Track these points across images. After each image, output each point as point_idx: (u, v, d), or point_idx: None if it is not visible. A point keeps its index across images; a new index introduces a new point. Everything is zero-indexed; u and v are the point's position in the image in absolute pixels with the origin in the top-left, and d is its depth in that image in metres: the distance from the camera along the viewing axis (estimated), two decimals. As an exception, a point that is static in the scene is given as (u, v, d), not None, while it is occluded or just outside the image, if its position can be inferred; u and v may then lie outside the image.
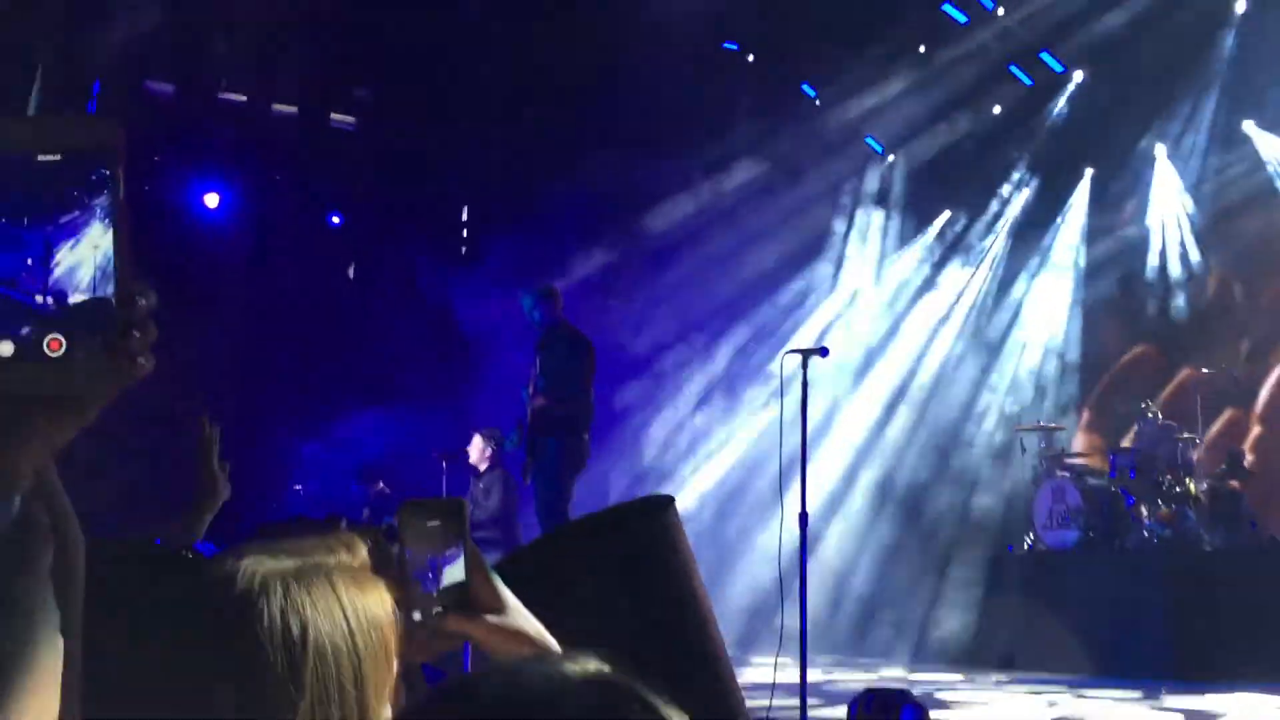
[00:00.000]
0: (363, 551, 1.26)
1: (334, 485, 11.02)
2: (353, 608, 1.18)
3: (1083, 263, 11.98)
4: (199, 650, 1.11)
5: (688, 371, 12.62)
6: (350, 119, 12.78)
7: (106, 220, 0.79)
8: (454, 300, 11.96)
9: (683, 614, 2.39)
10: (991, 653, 9.23)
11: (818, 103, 12.70)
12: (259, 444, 10.49)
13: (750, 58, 12.67)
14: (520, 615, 1.46)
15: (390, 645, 1.21)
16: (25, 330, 0.76)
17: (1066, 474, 9.74)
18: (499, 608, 1.41)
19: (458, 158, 12.09)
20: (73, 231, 0.79)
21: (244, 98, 12.03)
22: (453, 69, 11.26)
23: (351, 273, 12.99)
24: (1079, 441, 10.61)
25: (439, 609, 1.34)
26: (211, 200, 11.59)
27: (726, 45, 12.55)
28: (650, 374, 12.30)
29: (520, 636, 1.42)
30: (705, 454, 12.37)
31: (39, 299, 0.77)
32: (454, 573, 1.37)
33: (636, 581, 2.32)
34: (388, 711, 1.20)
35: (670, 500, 2.56)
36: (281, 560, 1.18)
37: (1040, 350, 11.93)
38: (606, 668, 0.79)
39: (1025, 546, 9.99)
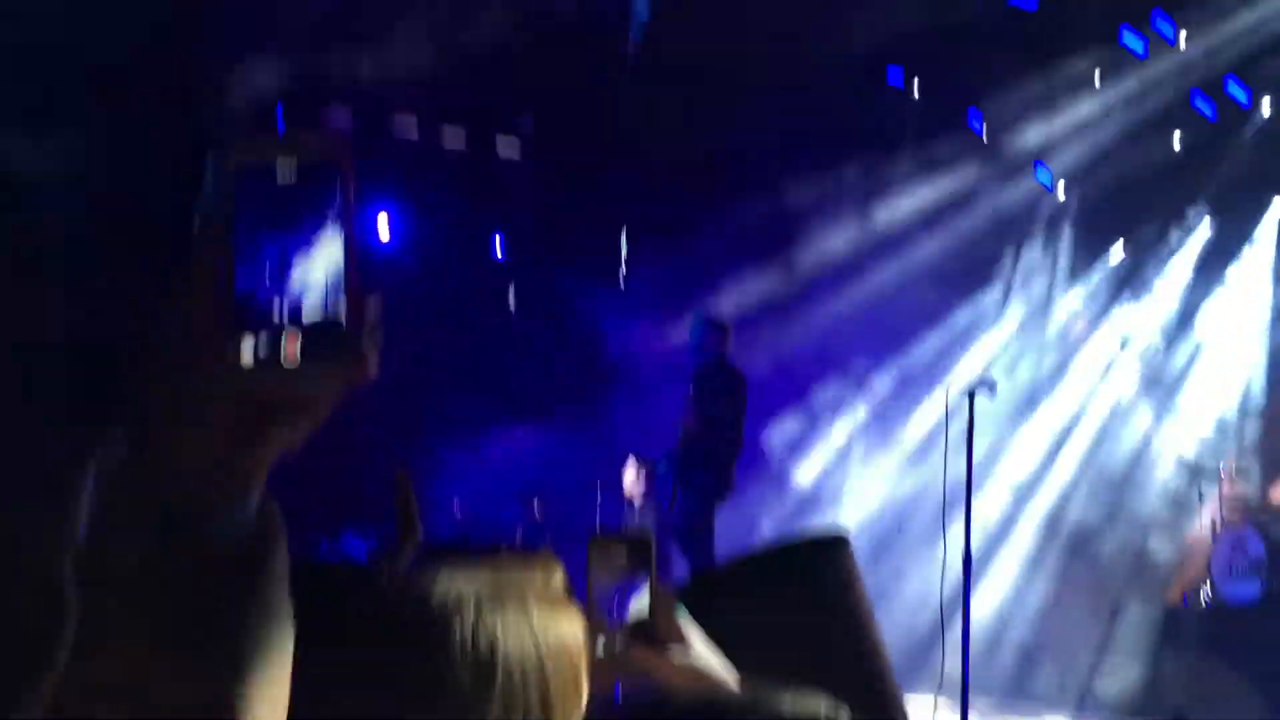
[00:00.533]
0: (559, 575, 1.24)
1: (485, 507, 11.16)
2: (544, 630, 1.16)
3: (1271, 299, 11.40)
4: (392, 666, 1.11)
5: (844, 405, 12.45)
6: (515, 149, 13.04)
7: (337, 231, 0.80)
8: (608, 327, 12.07)
9: (860, 658, 2.33)
10: (1161, 707, 8.81)
11: (984, 136, 12.42)
12: (416, 463, 10.74)
13: (916, 81, 12.48)
14: (704, 652, 1.44)
15: (580, 671, 1.19)
16: (264, 339, 0.78)
17: (1249, 523, 9.22)
18: (684, 642, 1.40)
19: (618, 185, 12.22)
20: (307, 243, 0.80)
21: (414, 125, 12.39)
22: (614, 95, 11.40)
23: (512, 300, 13.23)
24: (1264, 490, 10.03)
25: (624, 642, 1.34)
26: (383, 229, 11.96)
27: (891, 70, 12.39)
28: (805, 408, 12.18)
29: (703, 674, 1.40)
30: (859, 490, 12.16)
31: (276, 309, 0.79)
32: (639, 606, 1.37)
33: (816, 622, 2.28)
34: None
35: (846, 538, 2.50)
36: (477, 578, 1.17)
37: (1222, 392, 11.38)
38: (826, 705, 0.77)
39: (1200, 600, 9.49)
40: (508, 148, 12.61)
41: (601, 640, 1.32)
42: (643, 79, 11.09)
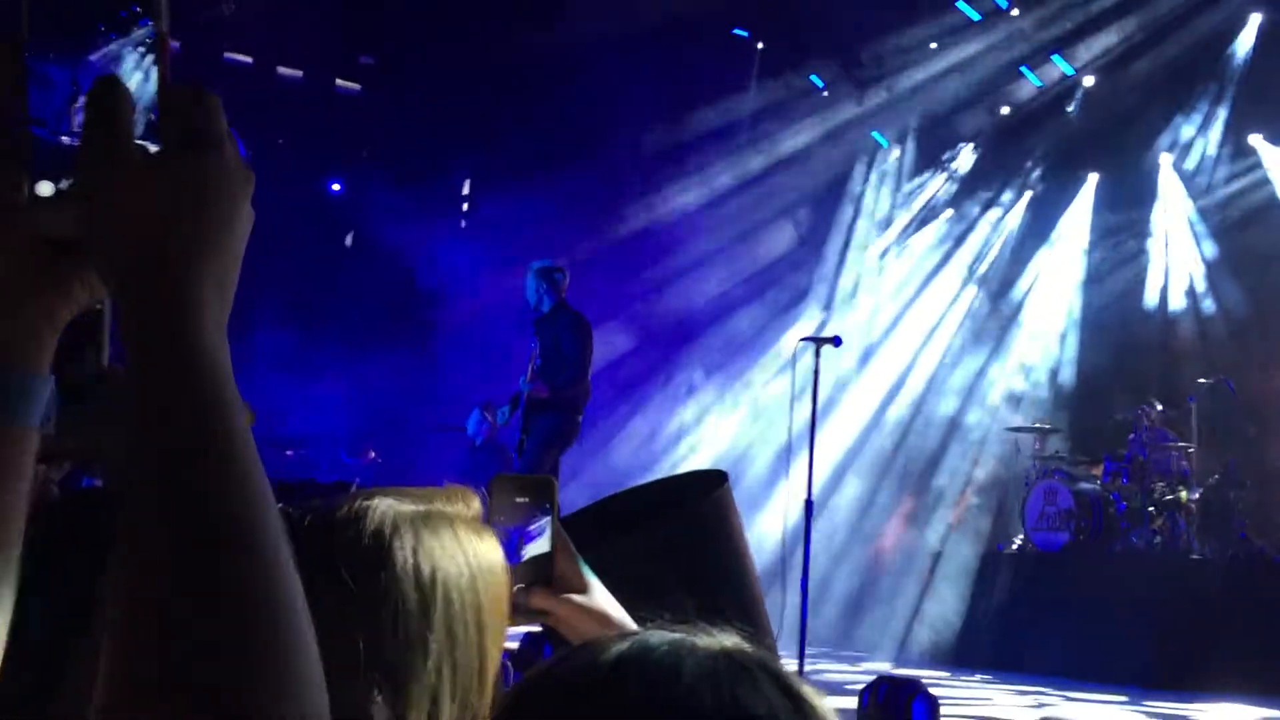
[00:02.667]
0: (477, 504, 1.28)
1: (323, 452, 10.96)
2: (475, 554, 1.20)
3: (1083, 269, 12.01)
4: (333, 589, 1.10)
5: (690, 356, 12.60)
6: (356, 85, 12.70)
7: (142, 58, 0.78)
8: (447, 273, 11.91)
9: (743, 587, 2.38)
10: (978, 652, 9.25)
11: (825, 93, 12.68)
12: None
13: (760, 45, 12.64)
14: (603, 596, 1.46)
15: (505, 593, 1.22)
16: (59, 171, 0.74)
17: (1059, 476, 9.76)
18: (582, 587, 1.42)
19: (460, 130, 12.02)
20: (102, 69, 0.77)
21: (249, 59, 11.93)
22: (459, 42, 11.19)
23: (349, 240, 12.91)
24: (1073, 445, 10.63)
25: (522, 585, 1.35)
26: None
27: (737, 31, 12.50)
28: (650, 359, 12.28)
29: (603, 617, 1.43)
30: (702, 439, 12.37)
31: (66, 140, 0.77)
32: (536, 548, 1.38)
33: (694, 563, 2.31)
34: (496, 658, 1.21)
35: (724, 476, 2.54)
36: (408, 504, 1.19)
37: (1040, 351, 11.96)
38: (735, 640, 0.79)
39: (1014, 546, 10.02)
40: (348, 83, 12.27)
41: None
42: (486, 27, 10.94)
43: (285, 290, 11.35)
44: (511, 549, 1.36)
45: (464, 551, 1.18)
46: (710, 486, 2.48)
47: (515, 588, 1.34)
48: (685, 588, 2.29)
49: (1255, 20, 10.75)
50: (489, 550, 1.21)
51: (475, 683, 1.16)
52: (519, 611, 1.38)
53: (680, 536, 2.34)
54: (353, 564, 1.12)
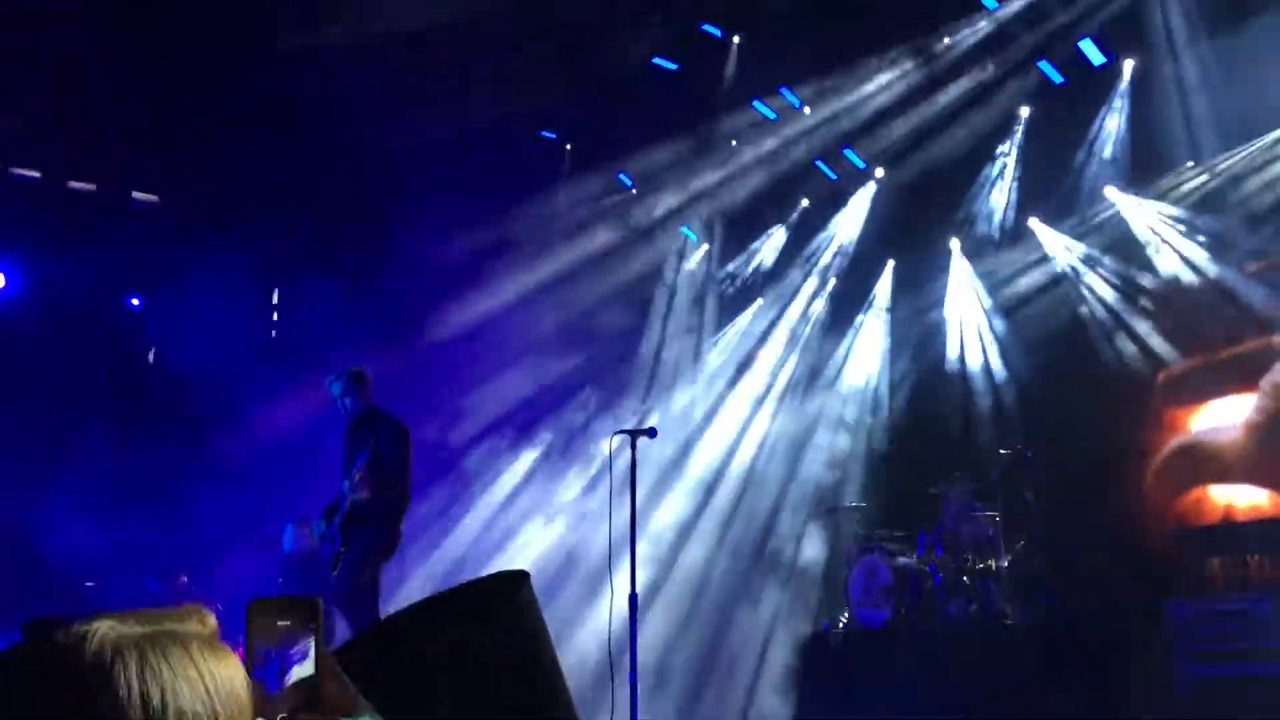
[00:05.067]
0: (213, 620, 1.22)
1: (128, 581, 10.39)
2: (211, 675, 1.14)
3: (884, 348, 12.51)
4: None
5: (504, 460, 12.51)
6: (154, 197, 12.34)
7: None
8: (252, 388, 11.56)
9: (539, 692, 2.34)
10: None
11: (634, 190, 12.99)
12: (48, 536, 9.84)
13: (568, 147, 12.89)
14: (370, 715, 1.42)
15: (248, 713, 1.16)
16: None
17: (878, 553, 10.02)
18: (348, 709, 1.38)
19: (260, 239, 11.79)
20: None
21: (38, 174, 11.50)
22: (253, 149, 11.04)
23: (151, 357, 12.43)
24: (888, 520, 10.95)
25: (285, 713, 1.30)
26: (-2, 278, 10.94)
27: (544, 134, 12.73)
28: (462, 464, 12.13)
29: None
30: (524, 541, 12.23)
31: None
32: (300, 671, 1.33)
33: (500, 666, 2.26)
34: None
35: (525, 576, 2.50)
36: (132, 626, 1.12)
37: (850, 434, 12.32)
38: None
39: (839, 625, 10.20)
40: (145, 196, 11.92)
41: (264, 712, 1.28)
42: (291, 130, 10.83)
43: (93, 412, 10.85)
44: (272, 673, 1.30)
45: (200, 674, 1.12)
46: (512, 588, 2.44)
47: (278, 716, 1.29)
48: (485, 692, 2.24)
49: (1025, 113, 11.56)
50: (229, 671, 1.15)
51: None
52: None
53: (482, 641, 2.29)
54: (71, 692, 1.05)
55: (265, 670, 1.29)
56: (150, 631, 1.12)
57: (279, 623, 1.33)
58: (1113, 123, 10.89)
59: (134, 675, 1.07)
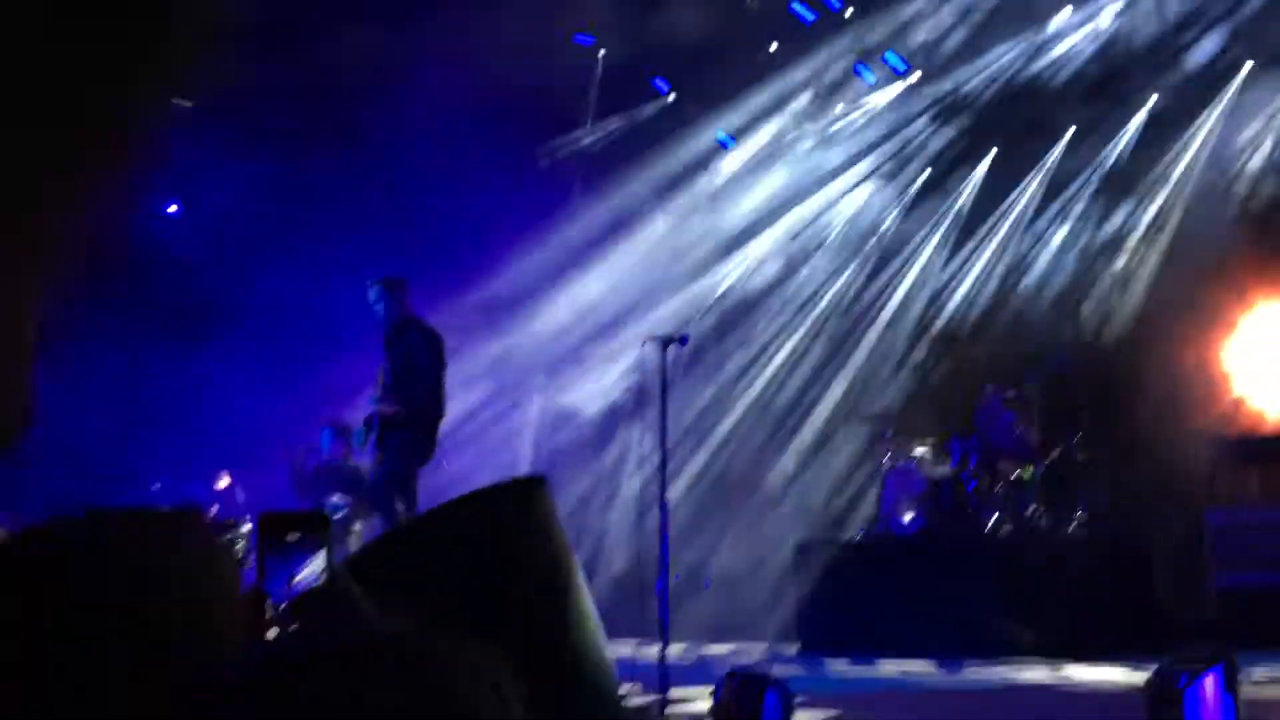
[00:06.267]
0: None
1: (184, 484, 10.59)
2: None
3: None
4: None
5: (532, 368, 12.54)
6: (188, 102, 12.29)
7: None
8: (298, 291, 11.63)
9: (556, 596, 2.36)
10: (841, 635, 9.41)
11: (671, 97, 12.83)
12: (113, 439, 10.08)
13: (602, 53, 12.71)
14: (376, 623, 1.46)
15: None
16: None
17: (911, 461, 10.04)
18: (355, 616, 1.41)
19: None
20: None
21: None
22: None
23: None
24: (921, 430, 10.92)
25: (295, 614, 1.34)
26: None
27: (579, 39, 12.54)
28: (492, 374, 12.17)
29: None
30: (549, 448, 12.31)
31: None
32: (310, 583, 1.36)
33: (510, 565, 2.29)
34: None
35: (542, 480, 2.53)
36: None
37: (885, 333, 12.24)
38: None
39: (873, 530, 10.27)
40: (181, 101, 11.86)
41: (270, 612, 1.31)
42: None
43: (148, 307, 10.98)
44: (279, 585, 1.33)
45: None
46: (527, 494, 2.47)
47: (289, 620, 1.32)
48: (495, 608, 2.28)
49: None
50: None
51: None
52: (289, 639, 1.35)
53: (500, 550, 2.33)
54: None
55: (273, 582, 1.33)
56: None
57: (288, 536, 1.35)
58: None
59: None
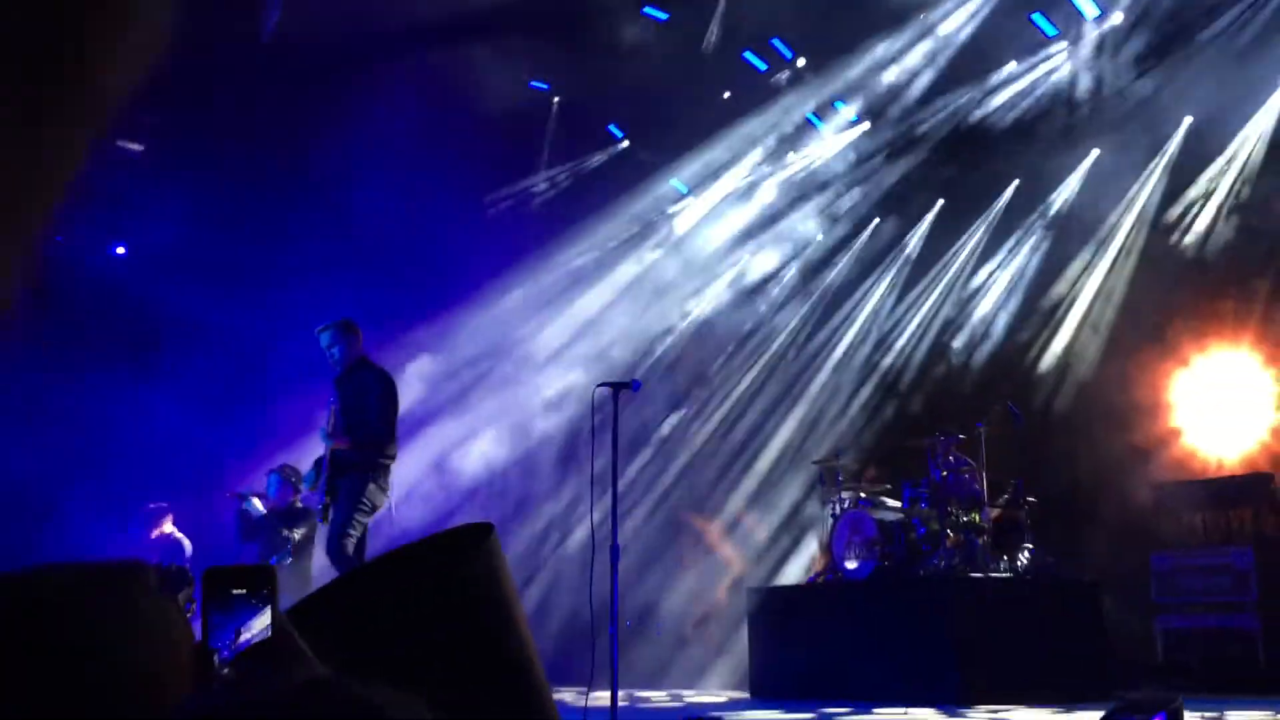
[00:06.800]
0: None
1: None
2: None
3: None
4: None
5: (476, 406, 12.49)
6: (138, 146, 12.22)
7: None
8: (247, 334, 11.54)
9: (501, 647, 2.34)
10: (795, 681, 9.41)
11: (625, 143, 12.93)
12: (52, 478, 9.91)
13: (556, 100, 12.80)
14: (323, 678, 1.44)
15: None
16: None
17: (862, 505, 10.08)
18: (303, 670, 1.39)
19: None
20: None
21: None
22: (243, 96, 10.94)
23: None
24: (872, 473, 11.00)
25: (240, 673, 1.32)
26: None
27: (534, 85, 12.62)
28: (449, 413, 12.12)
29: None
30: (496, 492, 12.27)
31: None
32: (255, 638, 1.34)
33: (455, 614, 2.26)
34: None
35: (490, 528, 2.50)
36: None
37: (835, 385, 12.36)
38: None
39: (826, 577, 10.28)
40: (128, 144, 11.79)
41: (216, 670, 1.29)
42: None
43: (77, 356, 10.83)
44: (225, 641, 1.31)
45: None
46: (475, 541, 2.44)
47: (234, 677, 1.30)
48: (450, 642, 2.25)
49: None
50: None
51: None
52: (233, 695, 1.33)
53: (443, 589, 2.30)
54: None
55: (218, 638, 1.31)
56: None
57: (234, 590, 1.33)
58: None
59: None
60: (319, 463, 7.91)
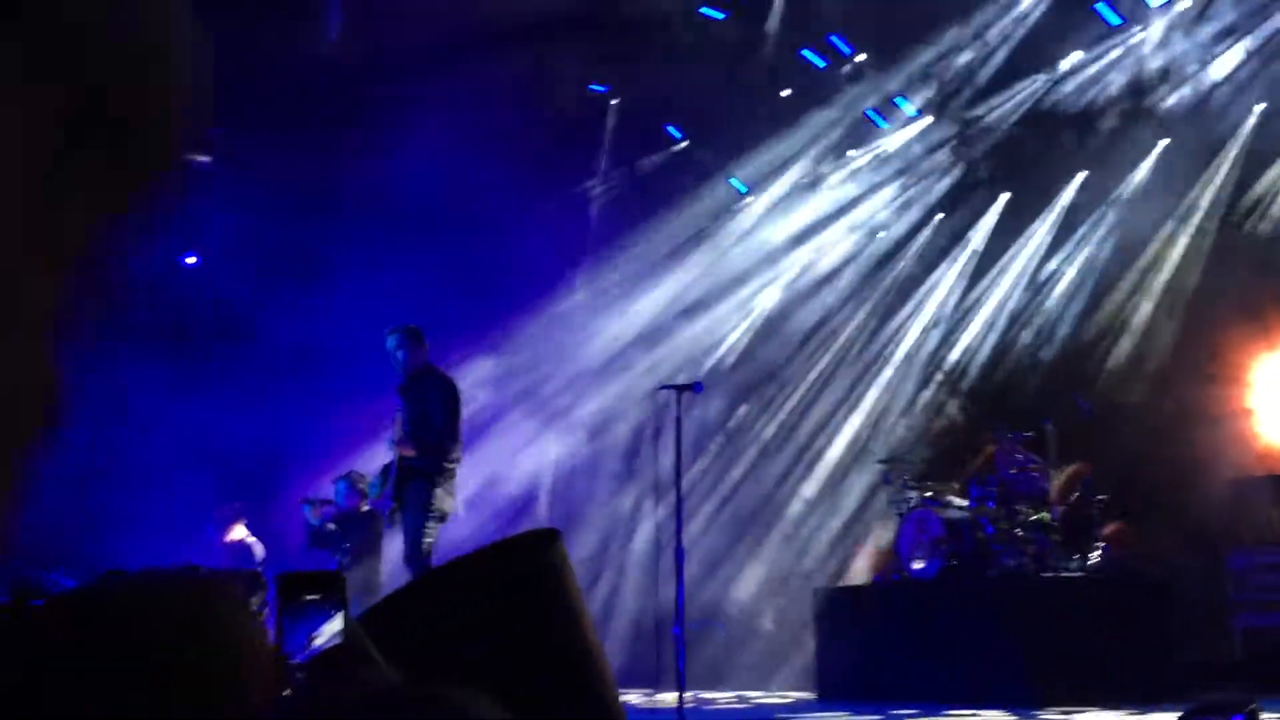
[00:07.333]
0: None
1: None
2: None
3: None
4: None
5: (553, 412, 12.56)
6: (207, 158, 12.44)
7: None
8: (316, 338, 11.70)
9: (568, 649, 2.35)
10: (861, 682, 9.33)
11: (685, 143, 12.92)
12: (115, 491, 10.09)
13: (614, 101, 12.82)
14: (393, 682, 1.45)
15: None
16: None
17: (928, 504, 9.96)
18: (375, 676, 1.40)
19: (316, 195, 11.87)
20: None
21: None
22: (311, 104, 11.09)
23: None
24: (938, 473, 10.86)
25: (313, 676, 1.33)
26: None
27: (592, 88, 12.66)
28: (511, 419, 12.19)
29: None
30: (566, 495, 12.32)
31: None
32: (328, 643, 1.35)
33: (522, 617, 2.27)
34: None
35: (556, 533, 2.52)
36: None
37: (900, 381, 12.25)
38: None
39: (892, 577, 10.18)
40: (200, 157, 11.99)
41: (289, 673, 1.31)
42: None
43: (152, 362, 11.06)
44: (298, 646, 1.33)
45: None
46: (541, 547, 2.46)
47: (307, 681, 1.31)
48: (517, 643, 2.26)
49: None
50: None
51: None
52: (308, 700, 1.34)
53: (509, 592, 2.31)
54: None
55: (291, 642, 1.32)
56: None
57: (306, 596, 1.35)
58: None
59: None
60: (386, 469, 8.00)
